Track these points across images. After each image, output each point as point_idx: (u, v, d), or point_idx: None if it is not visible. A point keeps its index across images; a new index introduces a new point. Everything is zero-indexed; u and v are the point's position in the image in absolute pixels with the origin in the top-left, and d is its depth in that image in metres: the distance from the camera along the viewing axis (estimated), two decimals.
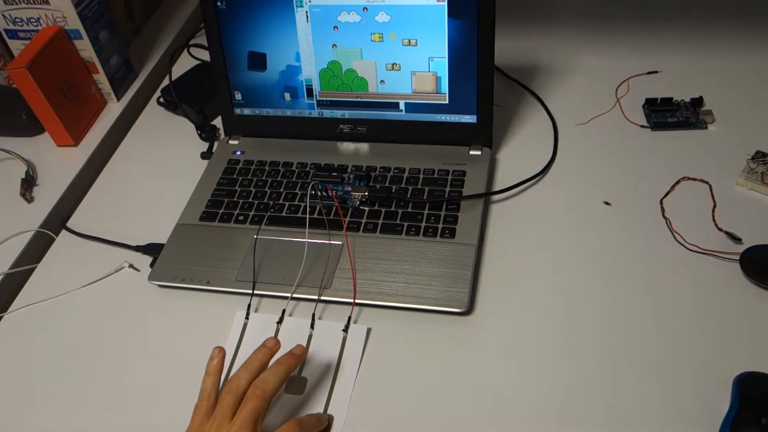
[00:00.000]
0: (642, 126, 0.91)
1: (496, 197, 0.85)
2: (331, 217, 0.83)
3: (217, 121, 1.02)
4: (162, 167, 0.98)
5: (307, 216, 0.83)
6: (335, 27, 0.86)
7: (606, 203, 0.83)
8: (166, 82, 1.07)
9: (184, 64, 1.13)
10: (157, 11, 1.29)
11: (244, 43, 0.90)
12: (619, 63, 1.01)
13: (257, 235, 0.82)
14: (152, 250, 0.85)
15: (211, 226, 0.85)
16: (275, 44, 0.89)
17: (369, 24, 0.85)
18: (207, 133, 1.00)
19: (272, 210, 0.85)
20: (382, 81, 0.88)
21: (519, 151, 0.91)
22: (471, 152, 0.89)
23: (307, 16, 0.86)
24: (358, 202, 0.84)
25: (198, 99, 1.03)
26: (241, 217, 0.85)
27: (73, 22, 0.99)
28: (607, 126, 0.93)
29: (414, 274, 0.76)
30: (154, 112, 1.08)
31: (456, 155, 0.89)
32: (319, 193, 0.85)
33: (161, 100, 1.07)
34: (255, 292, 0.78)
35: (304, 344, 0.73)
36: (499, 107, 0.96)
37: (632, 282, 0.74)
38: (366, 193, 0.84)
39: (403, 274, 0.76)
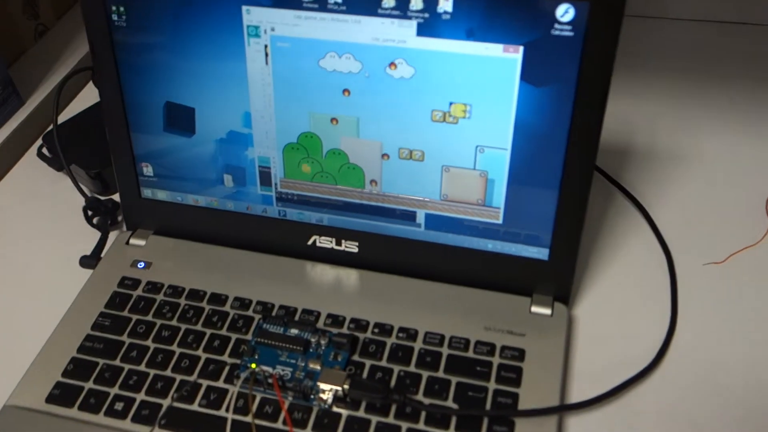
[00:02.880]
0: None
1: (575, 412, 0.48)
2: (278, 425, 0.46)
3: None
4: (14, 278, 0.59)
5: (230, 420, 0.45)
6: (314, 77, 0.49)
7: None
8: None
9: (89, 97, 0.75)
10: (73, 8, 0.90)
11: (157, 88, 0.52)
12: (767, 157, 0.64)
13: None
14: None
15: (65, 419, 0.47)
16: (210, 95, 0.51)
17: (376, 78, 0.47)
18: (100, 216, 0.62)
19: (176, 397, 0.48)
20: (390, 175, 0.51)
21: (611, 308, 0.54)
22: (533, 309, 0.51)
23: (267, 55, 0.49)
24: (329, 399, 0.46)
25: (97, 156, 0.65)
26: (119, 405, 0.47)
27: None
28: (759, 270, 0.55)
29: None
30: (31, 167, 0.70)
31: (508, 312, 0.51)
32: (259, 375, 0.47)
33: (43, 150, 0.69)
34: None
35: None
36: None
37: None
38: (345, 386, 0.46)
39: None
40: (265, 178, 0.54)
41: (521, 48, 0.44)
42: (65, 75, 0.69)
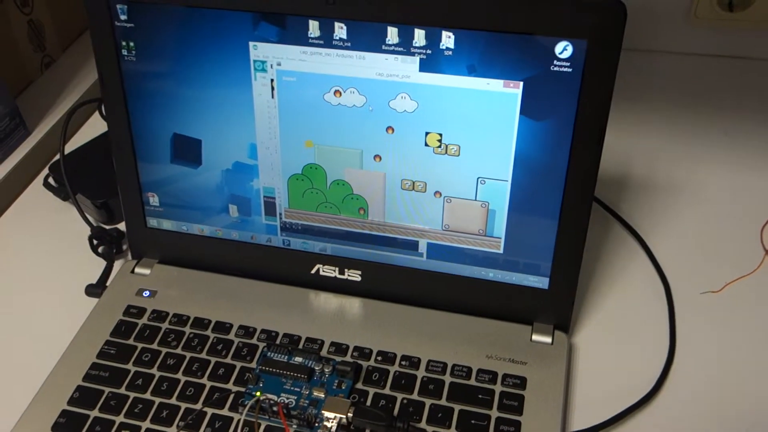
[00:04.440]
0: None
1: None
2: None
3: None
4: (21, 307, 0.60)
5: None
6: (319, 111, 0.50)
7: None
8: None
9: (95, 127, 0.76)
10: (78, 41, 0.92)
11: (165, 121, 0.53)
12: (764, 190, 0.65)
13: None
14: None
15: None
16: (217, 127, 0.52)
17: (379, 112, 0.49)
18: (105, 245, 0.63)
19: (182, 425, 0.48)
20: (393, 205, 0.52)
21: (611, 336, 0.54)
22: (534, 337, 0.52)
23: (273, 89, 0.50)
24: (334, 428, 0.47)
25: (103, 187, 0.66)
26: None
27: None
28: (754, 299, 0.56)
29: None
30: (37, 197, 0.71)
31: (509, 341, 0.52)
32: (264, 404, 0.48)
33: (49, 180, 0.70)
34: None
35: None
36: None
37: None
38: (349, 414, 0.46)
39: None
40: (270, 208, 0.55)
41: (521, 83, 0.45)
42: (72, 106, 0.71)
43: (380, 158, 0.50)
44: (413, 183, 0.51)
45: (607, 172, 0.68)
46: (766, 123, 0.73)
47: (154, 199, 0.57)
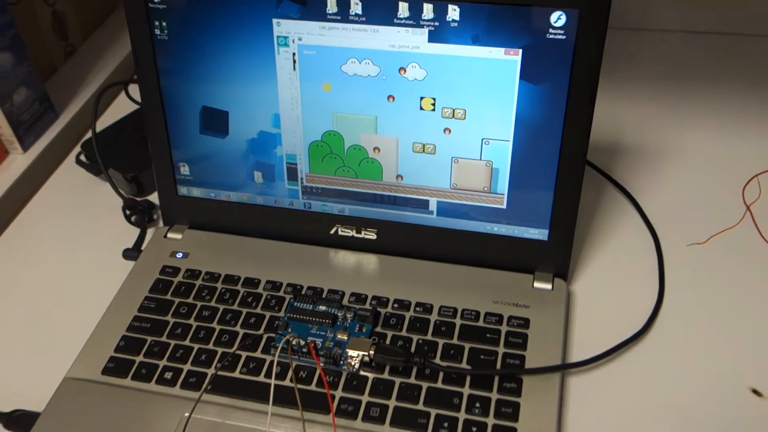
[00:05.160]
0: None
1: (575, 370, 0.53)
2: (313, 386, 0.51)
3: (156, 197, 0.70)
4: (63, 268, 0.65)
5: (272, 384, 0.51)
6: (337, 81, 0.55)
7: (755, 392, 0.51)
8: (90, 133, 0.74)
9: (121, 107, 0.81)
10: (99, 29, 0.97)
11: (195, 95, 0.58)
12: (744, 150, 0.70)
13: (191, 412, 0.50)
14: (18, 423, 0.52)
15: (120, 388, 0.53)
16: (243, 99, 0.57)
17: (391, 80, 0.54)
18: (138, 215, 0.68)
19: (221, 366, 0.53)
20: (405, 167, 0.57)
21: (606, 284, 0.60)
22: (536, 284, 0.57)
23: (295, 62, 0.55)
24: (356, 365, 0.52)
25: (133, 161, 0.71)
26: (168, 374, 0.53)
27: None
28: (737, 249, 0.62)
29: None
30: (70, 173, 0.76)
31: (513, 288, 0.57)
32: (295, 345, 0.53)
33: (81, 158, 0.75)
34: None
35: None
36: None
37: None
38: (370, 352, 0.52)
39: None
40: (292, 173, 0.60)
41: (520, 51, 0.51)
42: (100, 87, 0.76)
43: (393, 123, 0.55)
44: (423, 146, 0.56)
45: (600, 139, 0.73)
46: (747, 92, 0.78)
47: (184, 169, 0.62)
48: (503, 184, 0.56)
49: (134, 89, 0.81)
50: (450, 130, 0.55)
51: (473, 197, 0.57)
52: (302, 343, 0.53)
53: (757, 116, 0.75)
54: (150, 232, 0.67)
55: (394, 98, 0.54)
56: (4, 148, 0.77)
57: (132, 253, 0.64)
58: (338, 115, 0.56)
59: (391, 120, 0.55)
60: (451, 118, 0.54)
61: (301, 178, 0.60)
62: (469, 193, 0.57)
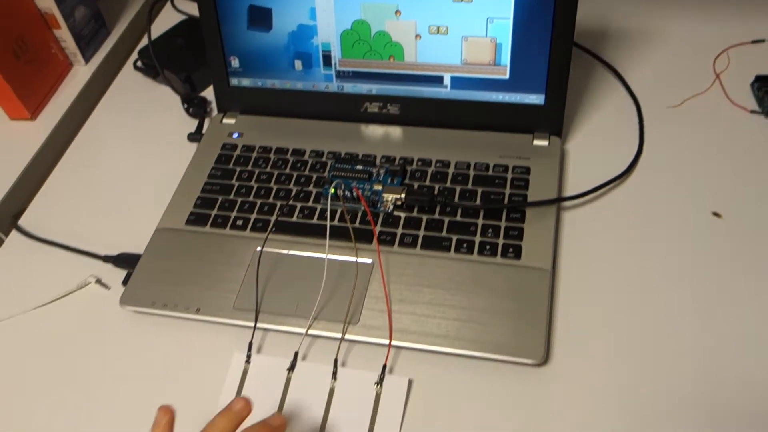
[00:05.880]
0: (752, 111, 0.72)
1: (569, 204, 0.66)
2: (357, 225, 0.64)
3: (209, 92, 0.82)
4: (139, 151, 0.77)
5: (328, 223, 0.63)
6: None
7: (715, 214, 0.64)
8: (145, 41, 0.85)
9: (168, 20, 0.91)
10: None
11: None
12: (716, 28, 0.81)
13: (262, 247, 0.63)
14: (125, 262, 0.65)
15: (202, 233, 0.66)
16: None
17: None
18: (195, 107, 0.80)
19: (281, 213, 0.66)
20: (422, 48, 0.68)
21: (594, 141, 0.71)
22: (535, 142, 0.69)
23: None
24: (391, 207, 0.65)
25: (184, 64, 0.82)
26: (239, 222, 0.66)
27: None
28: (705, 110, 0.73)
29: (469, 308, 0.57)
30: (130, 78, 0.87)
31: (516, 146, 0.69)
32: (341, 193, 0.66)
33: (138, 64, 0.86)
34: (259, 325, 0.59)
35: (322, 399, 0.55)
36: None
37: (751, 320, 0.56)
38: (402, 195, 0.64)
39: (455, 307, 0.57)
40: (327, 60, 0.71)
41: None
42: (150, 0, 0.86)
43: (412, 9, 0.66)
44: (438, 28, 0.67)
45: (588, 23, 0.83)
46: None
47: (235, 62, 0.74)
48: (506, 57, 0.67)
49: (179, 2, 0.93)
50: (459, 12, 0.65)
51: (481, 70, 0.68)
52: (348, 188, 0.65)
53: None
54: (206, 121, 0.79)
55: None
56: (69, 60, 0.89)
57: (196, 136, 0.76)
58: (366, 5, 0.67)
59: (410, 6, 0.66)
60: (460, 2, 0.65)
61: (335, 64, 0.71)
62: (477, 66, 0.68)
